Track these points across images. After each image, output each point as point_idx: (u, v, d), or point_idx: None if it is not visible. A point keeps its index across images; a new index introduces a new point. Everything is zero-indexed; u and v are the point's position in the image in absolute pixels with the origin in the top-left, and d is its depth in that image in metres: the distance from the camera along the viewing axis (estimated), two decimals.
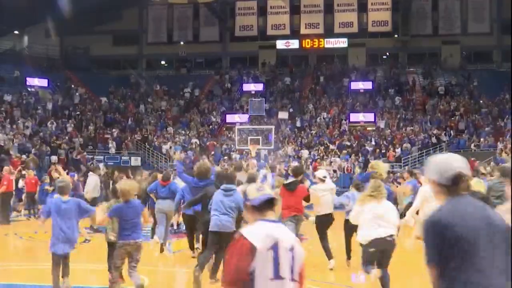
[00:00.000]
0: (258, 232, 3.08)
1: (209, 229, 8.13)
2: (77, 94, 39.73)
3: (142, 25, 45.74)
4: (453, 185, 2.95)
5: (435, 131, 32.26)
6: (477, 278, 2.71)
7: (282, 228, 3.24)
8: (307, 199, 9.69)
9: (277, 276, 3.04)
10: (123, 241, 7.07)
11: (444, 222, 2.79)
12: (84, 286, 8.85)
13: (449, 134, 32.21)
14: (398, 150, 30.69)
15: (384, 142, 31.77)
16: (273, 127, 31.11)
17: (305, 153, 30.52)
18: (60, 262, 7.23)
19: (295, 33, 43.55)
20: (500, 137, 29.71)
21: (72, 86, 40.88)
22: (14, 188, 17.75)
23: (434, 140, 31.40)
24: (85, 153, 31.43)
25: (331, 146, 31.74)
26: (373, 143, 31.88)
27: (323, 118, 35.60)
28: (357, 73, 40.52)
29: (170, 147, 32.25)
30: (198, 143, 33.08)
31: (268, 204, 3.22)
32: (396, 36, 43.26)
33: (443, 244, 2.76)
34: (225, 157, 29.30)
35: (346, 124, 34.55)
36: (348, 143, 31.96)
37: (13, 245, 13.49)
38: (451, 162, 3.01)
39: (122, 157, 32.01)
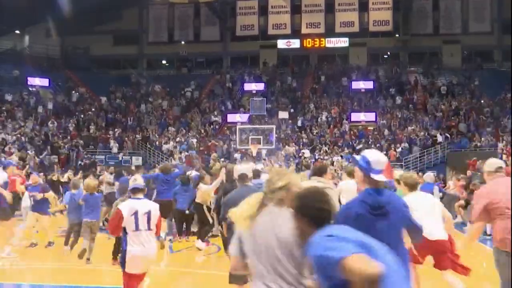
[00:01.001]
0: (127, 206, 6.07)
1: None
2: (77, 94, 39.75)
3: (143, 25, 45.73)
4: (239, 180, 6.61)
5: (436, 131, 32.21)
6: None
7: (143, 202, 6.20)
8: None
9: (137, 229, 6.01)
10: (85, 219, 10.06)
11: (229, 197, 6.21)
12: (85, 286, 8.84)
13: (450, 133, 32.16)
14: (399, 150, 30.66)
15: (385, 142, 31.73)
16: (274, 126, 31.09)
17: (306, 153, 30.49)
18: (73, 229, 10.76)
19: (296, 33, 43.53)
20: (500, 137, 29.68)
21: (73, 86, 40.90)
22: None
23: (435, 139, 31.37)
24: (84, 153, 31.50)
25: (333, 146, 31.70)
26: (370, 142, 31.84)
27: (324, 117, 35.56)
28: (358, 73, 40.49)
29: (175, 147, 32.24)
30: (199, 142, 33.05)
31: (136, 189, 6.30)
32: (397, 35, 43.23)
33: (224, 208, 6.15)
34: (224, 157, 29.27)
35: (347, 124, 34.52)
36: (350, 143, 31.93)
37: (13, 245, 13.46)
38: (240, 168, 6.77)
39: (123, 157, 32.01)
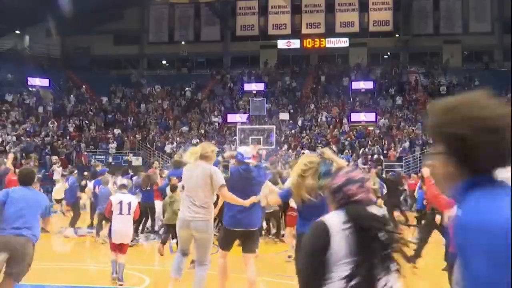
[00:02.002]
0: (116, 197, 8.89)
1: None
2: (78, 93, 39.74)
3: (143, 25, 45.73)
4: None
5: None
6: None
7: (127, 196, 8.93)
8: None
9: (120, 213, 8.61)
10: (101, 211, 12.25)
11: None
12: (85, 286, 8.85)
13: None
14: (399, 150, 30.63)
15: (385, 142, 31.71)
16: (274, 127, 31.07)
17: (306, 153, 30.44)
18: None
19: (296, 33, 43.52)
20: None
21: (73, 86, 40.89)
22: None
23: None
24: (85, 153, 31.46)
25: (332, 146, 31.66)
26: (370, 143, 31.81)
27: (324, 117, 35.54)
28: (358, 73, 40.48)
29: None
30: (199, 142, 33.04)
31: (123, 186, 9.22)
32: (397, 35, 43.21)
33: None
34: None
35: (347, 124, 34.50)
36: (350, 143, 31.89)
37: None
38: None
39: (123, 157, 31.98)
